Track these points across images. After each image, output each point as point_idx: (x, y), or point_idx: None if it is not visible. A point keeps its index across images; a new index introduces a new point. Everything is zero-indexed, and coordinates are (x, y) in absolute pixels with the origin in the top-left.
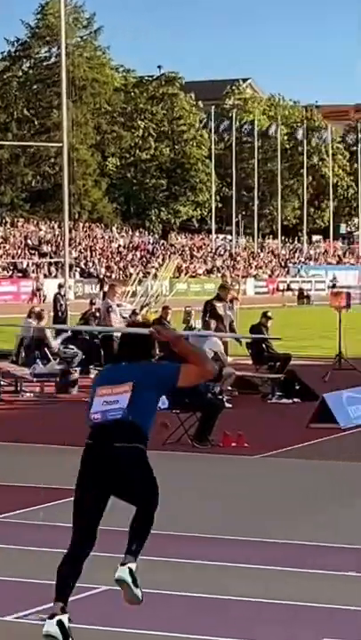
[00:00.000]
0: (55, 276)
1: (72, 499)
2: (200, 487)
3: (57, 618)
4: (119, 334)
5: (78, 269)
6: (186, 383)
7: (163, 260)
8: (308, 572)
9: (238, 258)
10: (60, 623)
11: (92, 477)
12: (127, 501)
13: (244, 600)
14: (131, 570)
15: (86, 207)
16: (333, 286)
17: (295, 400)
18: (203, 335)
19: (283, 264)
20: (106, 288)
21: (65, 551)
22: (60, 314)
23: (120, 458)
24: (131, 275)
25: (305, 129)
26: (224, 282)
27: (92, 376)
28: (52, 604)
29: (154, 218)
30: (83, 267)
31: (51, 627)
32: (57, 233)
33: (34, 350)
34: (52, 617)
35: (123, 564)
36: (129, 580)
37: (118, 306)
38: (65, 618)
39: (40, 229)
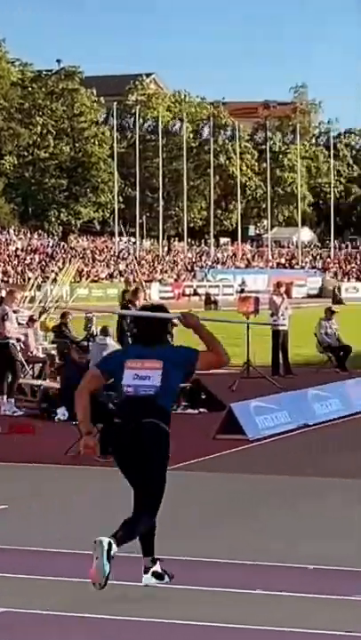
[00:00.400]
0: None
1: None
2: (99, 502)
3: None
4: (14, 341)
5: None
6: (204, 367)
7: (63, 263)
8: (208, 589)
9: (142, 261)
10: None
11: (121, 451)
12: (137, 481)
13: (145, 621)
14: (157, 573)
15: None
16: (242, 291)
17: (201, 410)
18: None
19: (189, 268)
20: (3, 293)
21: None
22: None
23: (145, 432)
24: (29, 279)
25: (212, 126)
26: (128, 286)
27: None
28: None
29: (53, 219)
30: None
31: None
32: None
33: None
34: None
35: (147, 571)
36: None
37: (15, 312)
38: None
39: None
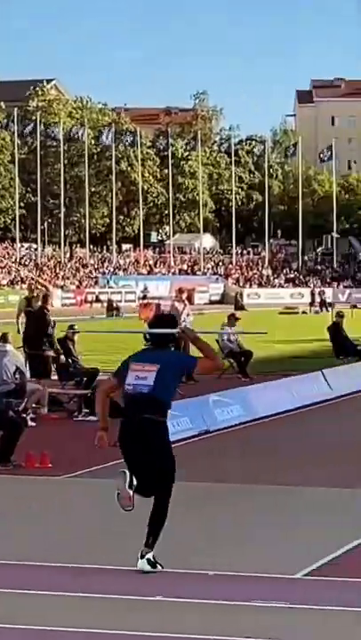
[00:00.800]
0: None
1: None
2: None
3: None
4: None
5: None
6: (203, 372)
7: None
8: (105, 597)
9: (44, 268)
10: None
11: (125, 444)
12: (146, 474)
13: (63, 631)
14: (149, 560)
15: None
16: (144, 297)
17: None
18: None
19: (91, 274)
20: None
21: None
22: None
23: (141, 426)
24: None
25: (113, 133)
26: (30, 293)
27: None
28: None
29: None
30: None
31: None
32: None
33: None
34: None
35: (142, 557)
36: (148, 569)
37: None
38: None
39: None
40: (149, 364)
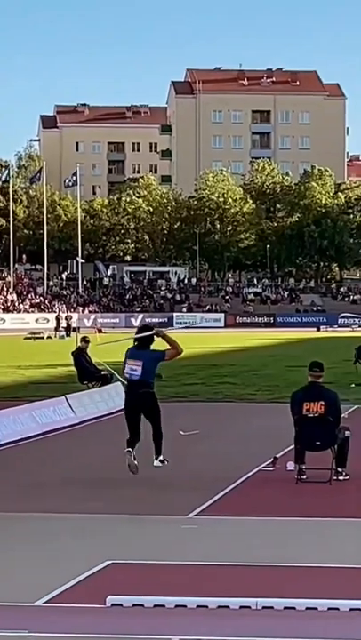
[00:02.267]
0: None
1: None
2: None
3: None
4: None
5: None
6: (170, 359)
7: None
8: None
9: None
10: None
11: (130, 406)
12: (146, 418)
13: None
14: (161, 460)
15: None
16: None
17: None
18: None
19: None
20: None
21: None
22: None
23: (142, 396)
24: None
25: None
26: None
27: None
28: None
29: None
30: None
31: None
32: None
33: None
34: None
35: (156, 459)
36: (160, 464)
37: None
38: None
39: None
40: (137, 360)
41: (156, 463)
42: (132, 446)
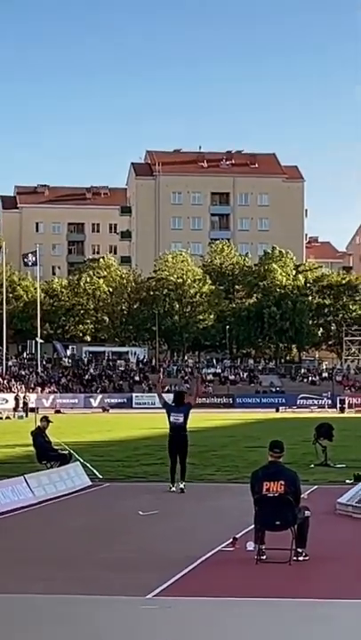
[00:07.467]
0: None
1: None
2: None
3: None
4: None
5: None
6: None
7: None
8: None
9: None
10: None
11: (171, 444)
12: (178, 453)
13: None
14: (184, 485)
15: None
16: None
17: None
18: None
19: None
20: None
21: None
22: None
23: (181, 437)
24: None
25: None
26: None
27: None
28: None
29: None
30: None
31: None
32: None
33: None
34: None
35: (180, 482)
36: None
37: None
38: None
39: None
40: (179, 413)
41: (181, 485)
42: (173, 477)
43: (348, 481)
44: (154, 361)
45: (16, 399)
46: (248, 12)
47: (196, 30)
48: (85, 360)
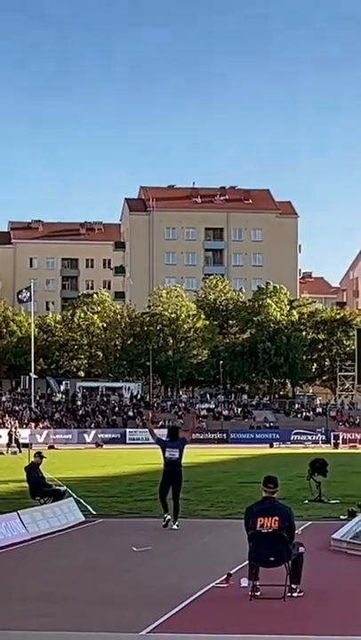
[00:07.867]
0: None
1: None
2: None
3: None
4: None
5: None
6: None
7: None
8: None
9: None
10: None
11: (165, 479)
12: (172, 488)
13: None
14: (177, 525)
15: None
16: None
17: None
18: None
19: None
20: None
21: None
22: None
23: (176, 473)
24: None
25: None
26: None
27: None
28: None
29: None
30: None
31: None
32: None
33: None
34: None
35: (173, 523)
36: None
37: None
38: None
39: None
40: (174, 447)
41: (175, 527)
42: (167, 509)
43: (342, 517)
44: (148, 396)
45: (9, 435)
46: (242, 48)
47: (191, 65)
48: (79, 395)
